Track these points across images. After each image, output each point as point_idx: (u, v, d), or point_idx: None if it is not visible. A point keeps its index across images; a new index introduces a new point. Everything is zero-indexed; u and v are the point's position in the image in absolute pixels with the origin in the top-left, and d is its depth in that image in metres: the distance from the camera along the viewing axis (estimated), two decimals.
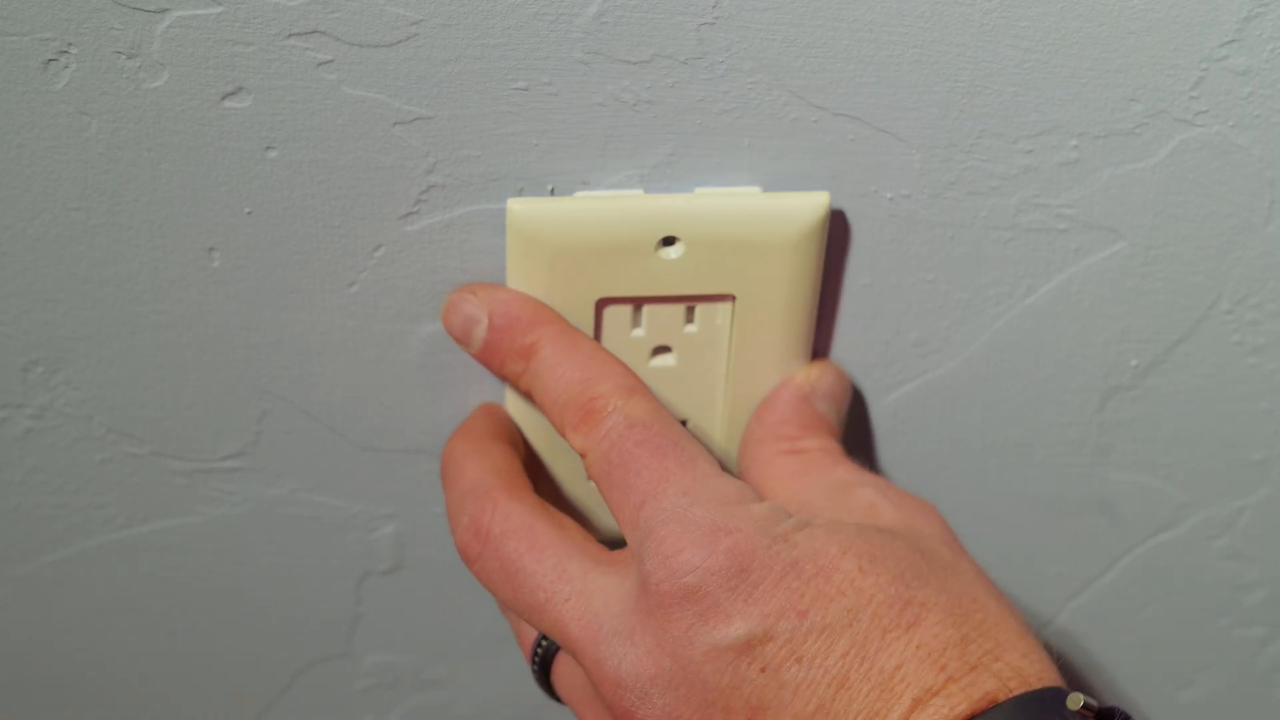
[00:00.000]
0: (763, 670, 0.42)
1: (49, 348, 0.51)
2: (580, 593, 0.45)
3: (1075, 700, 0.41)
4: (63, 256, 0.49)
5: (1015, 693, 0.41)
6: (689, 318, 0.50)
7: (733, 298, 0.50)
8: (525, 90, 0.46)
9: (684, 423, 0.53)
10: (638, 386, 0.47)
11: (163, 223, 0.48)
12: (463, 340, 0.50)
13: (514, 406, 0.52)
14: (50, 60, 0.44)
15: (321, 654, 0.61)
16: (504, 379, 0.50)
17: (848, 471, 0.49)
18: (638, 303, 0.50)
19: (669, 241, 0.48)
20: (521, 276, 0.49)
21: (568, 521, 0.48)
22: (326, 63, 0.45)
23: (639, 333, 0.50)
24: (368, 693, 0.63)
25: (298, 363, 0.52)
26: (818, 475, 0.49)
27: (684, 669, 0.43)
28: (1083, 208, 0.50)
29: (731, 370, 0.51)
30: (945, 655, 0.42)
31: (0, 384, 0.52)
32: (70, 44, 0.44)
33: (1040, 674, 0.42)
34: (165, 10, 0.44)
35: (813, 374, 0.52)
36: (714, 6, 0.45)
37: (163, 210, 0.48)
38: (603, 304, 0.49)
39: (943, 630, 0.42)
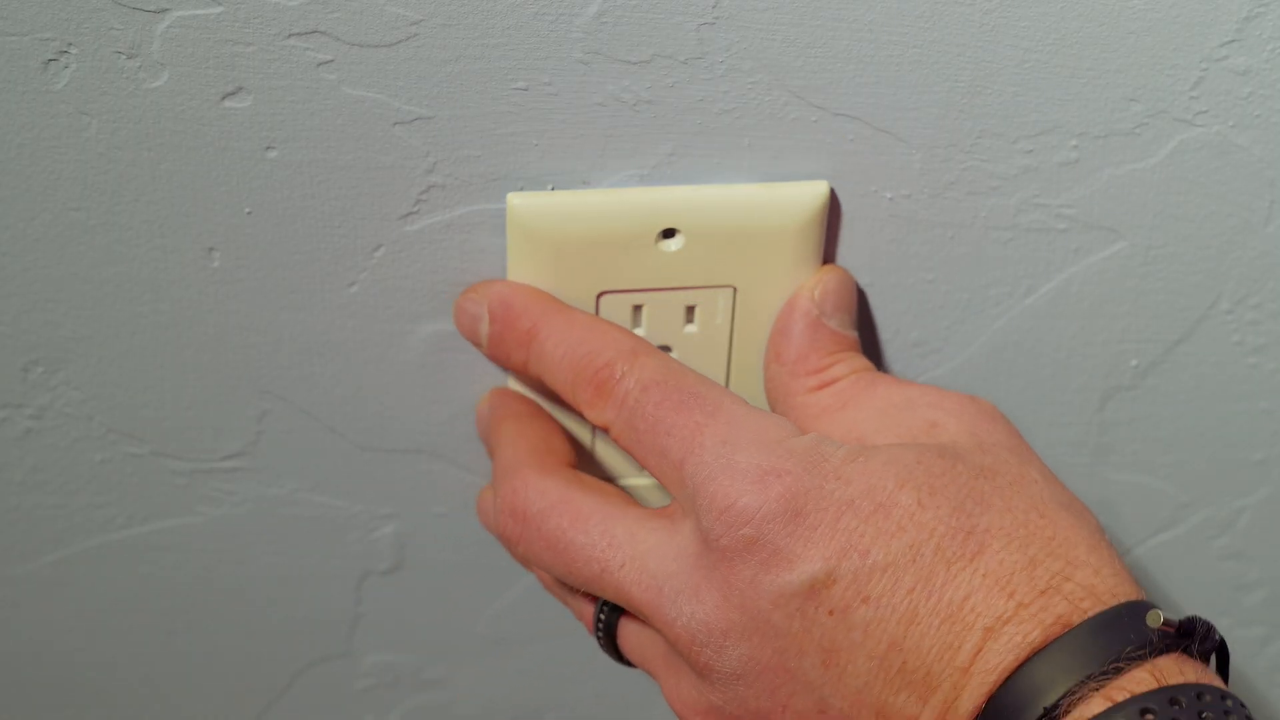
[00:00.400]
0: (831, 613, 0.42)
1: (49, 348, 0.51)
2: (633, 556, 0.45)
3: (1155, 618, 0.40)
4: (63, 256, 0.49)
5: (1089, 613, 0.40)
6: (689, 318, 0.50)
7: (734, 288, 0.50)
8: (525, 90, 0.46)
9: None
10: (640, 348, 0.47)
11: (163, 223, 0.48)
12: (473, 340, 0.50)
13: (515, 380, 0.52)
14: (50, 60, 0.44)
15: (321, 654, 0.61)
16: (514, 371, 0.50)
17: (890, 389, 0.48)
18: (638, 300, 0.50)
19: (669, 234, 0.48)
20: (523, 271, 0.49)
21: (604, 486, 0.47)
22: (326, 63, 0.45)
23: (639, 332, 0.50)
24: (368, 693, 0.63)
25: (298, 363, 0.52)
26: (861, 402, 0.47)
27: (753, 618, 0.43)
28: (1083, 208, 0.50)
29: (732, 369, 0.51)
30: (1013, 581, 0.41)
31: (0, 384, 0.52)
32: (70, 44, 0.44)
33: (1114, 589, 0.41)
34: (165, 10, 0.44)
35: (815, 291, 0.50)
36: (714, 6, 0.45)
37: (163, 210, 0.48)
38: (603, 298, 0.49)
39: (1009, 555, 0.41)
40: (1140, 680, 0.39)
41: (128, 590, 0.58)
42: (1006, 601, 0.41)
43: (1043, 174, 0.49)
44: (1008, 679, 0.40)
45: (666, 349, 0.51)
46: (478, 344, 0.50)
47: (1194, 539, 0.60)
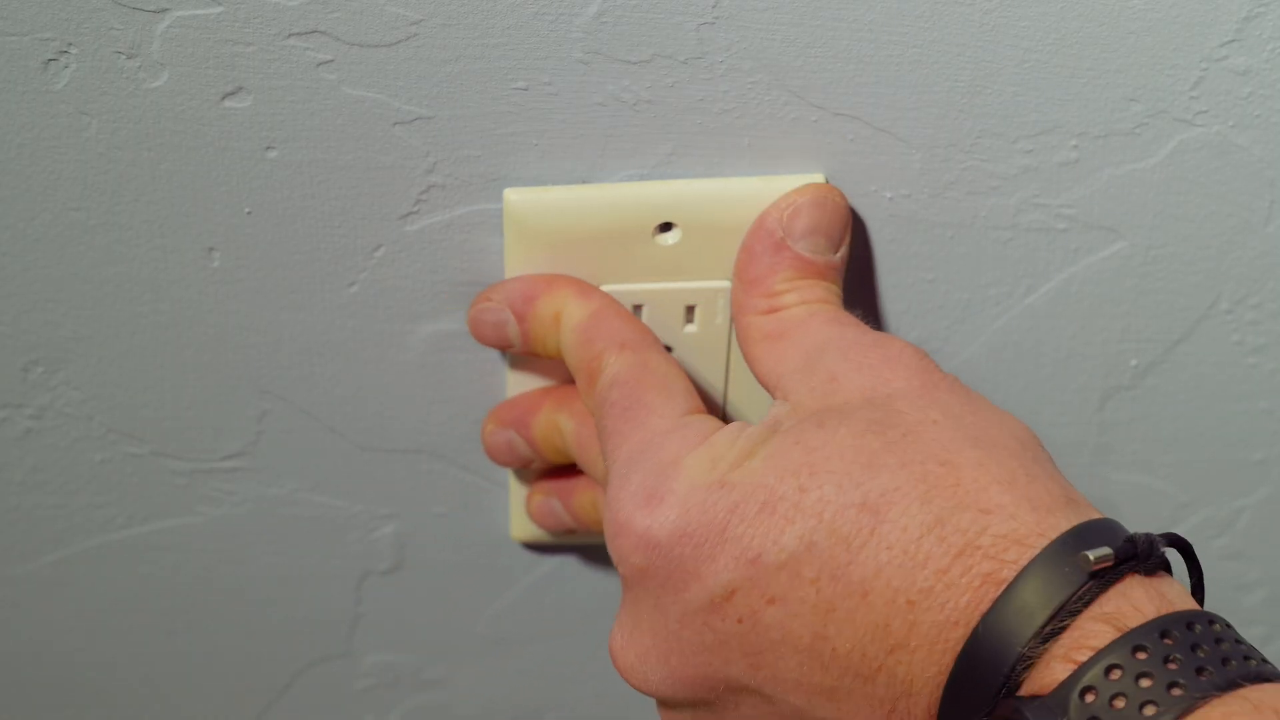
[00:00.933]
0: (740, 620, 0.41)
1: (49, 348, 0.51)
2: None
3: (1086, 561, 0.37)
4: (63, 256, 0.49)
5: (1020, 563, 0.38)
6: (689, 318, 0.50)
7: (731, 283, 0.50)
8: (525, 90, 0.46)
9: None
10: (632, 340, 0.46)
11: (163, 223, 0.48)
12: (502, 345, 0.49)
13: (515, 380, 0.52)
14: (50, 60, 0.44)
15: (321, 654, 0.61)
16: (551, 357, 0.49)
17: (820, 329, 0.45)
18: (639, 299, 0.50)
19: (666, 227, 0.48)
20: (520, 267, 0.49)
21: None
22: (326, 63, 0.45)
23: None
24: (368, 693, 0.63)
25: (298, 363, 0.52)
26: (793, 337, 0.45)
27: (666, 640, 0.42)
28: (1083, 208, 0.50)
29: (732, 368, 0.51)
30: (922, 547, 0.39)
31: (0, 384, 0.52)
32: (70, 44, 0.44)
33: (1038, 528, 0.38)
34: (165, 10, 0.44)
35: (785, 211, 0.47)
36: (714, 6, 0.45)
37: (163, 210, 0.48)
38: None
39: (911, 518, 0.39)
40: (1097, 632, 0.37)
41: (128, 590, 0.58)
42: (921, 571, 0.38)
43: (1043, 174, 0.49)
44: (962, 651, 0.38)
45: (667, 349, 0.51)
46: (508, 346, 0.49)
47: (1194, 539, 0.60)
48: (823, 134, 0.48)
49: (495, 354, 0.52)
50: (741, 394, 0.52)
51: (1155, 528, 0.60)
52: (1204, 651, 0.36)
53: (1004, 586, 0.37)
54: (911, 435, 0.41)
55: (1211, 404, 0.56)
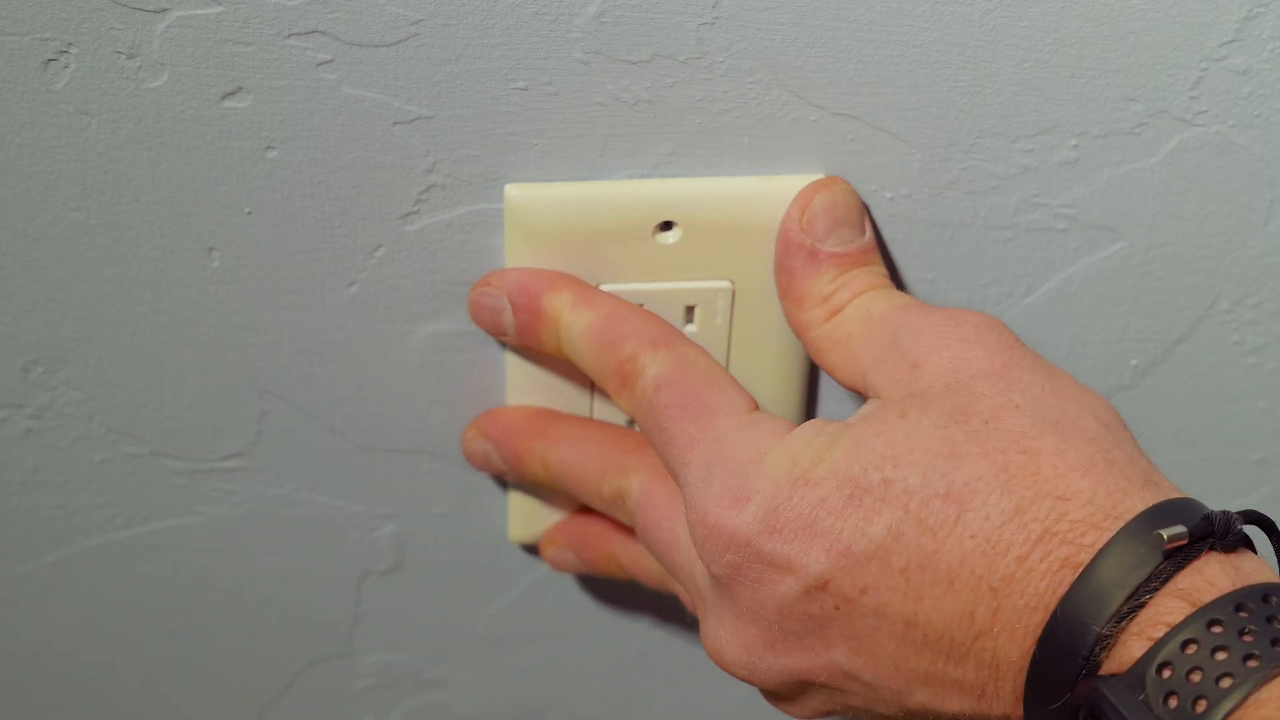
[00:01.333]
0: (836, 607, 0.42)
1: (49, 348, 0.51)
2: (685, 566, 0.46)
3: (1159, 539, 0.38)
4: (63, 256, 0.49)
5: (1096, 546, 0.38)
6: (689, 317, 0.50)
7: (732, 284, 0.50)
8: (525, 90, 0.46)
9: None
10: (662, 336, 0.47)
11: (163, 223, 0.48)
12: (496, 332, 0.50)
13: (514, 380, 0.52)
14: (50, 60, 0.44)
15: (321, 654, 0.61)
16: (546, 354, 0.50)
17: (884, 319, 0.45)
18: (639, 298, 0.50)
19: (667, 226, 0.48)
20: (520, 262, 0.49)
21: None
22: (326, 63, 0.45)
23: None
24: (368, 693, 0.63)
25: (298, 363, 0.52)
26: (861, 340, 0.45)
27: (769, 632, 0.43)
28: (1083, 207, 0.50)
29: (732, 368, 0.51)
30: (1004, 535, 0.39)
31: (0, 384, 0.52)
32: (70, 44, 0.44)
33: (1115, 509, 0.39)
34: (165, 10, 0.44)
35: (802, 218, 0.47)
36: (714, 6, 0.45)
37: (163, 210, 0.48)
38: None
39: (993, 507, 0.40)
40: (1172, 609, 0.37)
41: (128, 590, 0.58)
42: (1003, 558, 0.39)
43: (1042, 174, 0.49)
44: (1042, 635, 0.39)
45: None
46: (502, 334, 0.49)
47: None
48: (823, 134, 0.48)
49: (495, 354, 0.52)
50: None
51: None
52: (1249, 638, 0.36)
53: (1080, 570, 0.38)
54: (993, 422, 0.42)
55: (1211, 404, 0.56)
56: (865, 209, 0.48)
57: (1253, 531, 0.40)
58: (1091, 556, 0.38)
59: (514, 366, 0.52)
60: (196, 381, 0.52)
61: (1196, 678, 0.36)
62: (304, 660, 0.62)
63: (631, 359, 0.46)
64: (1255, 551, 0.40)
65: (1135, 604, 0.38)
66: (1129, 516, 0.39)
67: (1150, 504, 0.39)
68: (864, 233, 0.47)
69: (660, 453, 0.46)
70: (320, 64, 0.45)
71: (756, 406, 0.46)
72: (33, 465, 0.54)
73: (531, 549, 0.58)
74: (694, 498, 0.44)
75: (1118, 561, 0.38)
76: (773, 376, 0.52)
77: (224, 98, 0.45)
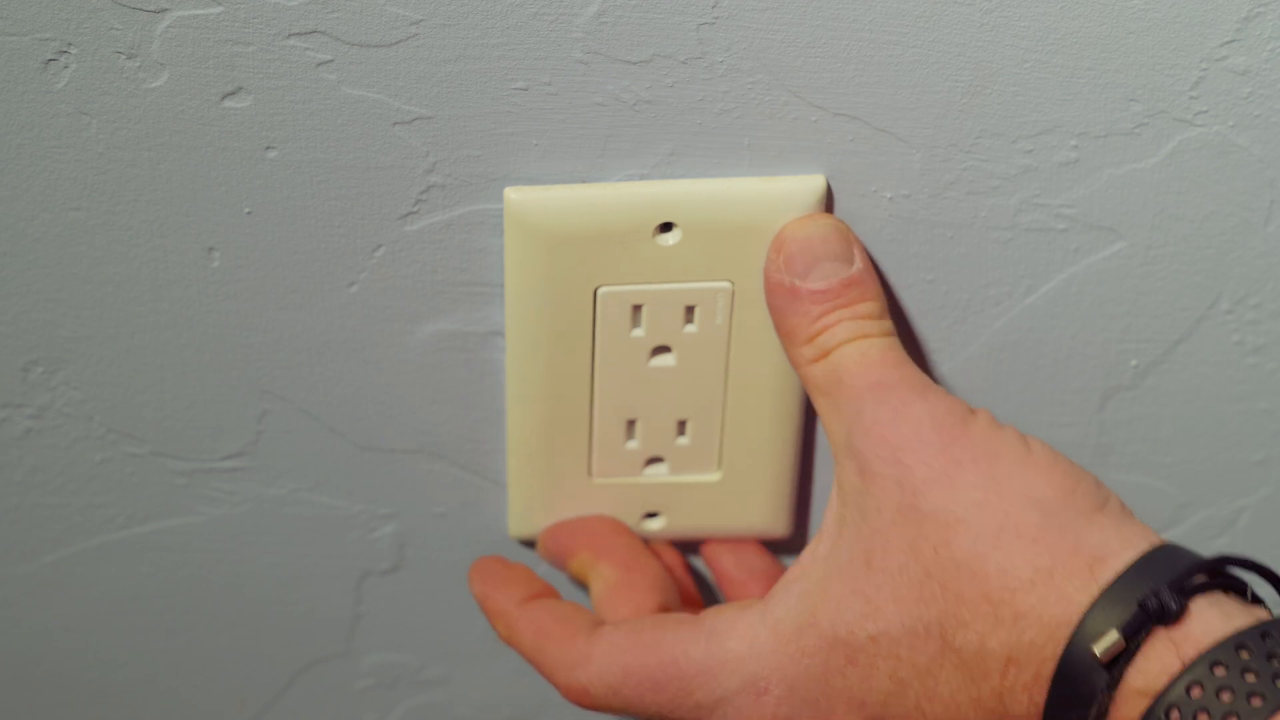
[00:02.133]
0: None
1: (49, 348, 0.51)
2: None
3: (1095, 653, 0.40)
4: (63, 256, 0.49)
5: (1048, 671, 0.41)
6: (689, 318, 0.50)
7: (732, 284, 0.49)
8: (525, 90, 0.46)
9: (683, 423, 0.53)
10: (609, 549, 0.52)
11: (163, 223, 0.48)
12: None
13: (515, 380, 0.52)
14: (50, 60, 0.44)
15: (321, 654, 0.61)
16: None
17: (854, 394, 0.45)
18: (638, 299, 0.50)
19: (666, 228, 0.48)
20: (519, 266, 0.49)
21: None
22: (326, 63, 0.45)
23: (639, 332, 0.50)
24: (368, 693, 0.63)
25: (298, 363, 0.52)
26: (834, 404, 0.46)
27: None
28: (1083, 208, 0.50)
29: (732, 366, 0.51)
30: (979, 664, 0.42)
31: (0, 384, 0.52)
32: (70, 44, 0.44)
33: (1065, 619, 0.41)
34: (165, 10, 0.44)
35: (780, 259, 0.47)
36: (714, 6, 0.45)
37: (163, 210, 0.48)
38: (601, 292, 0.49)
39: (964, 639, 0.42)
40: (1134, 703, 0.40)
41: (128, 590, 0.58)
42: (987, 682, 0.42)
43: (1043, 174, 0.49)
44: None
45: (666, 349, 0.51)
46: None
47: (1194, 539, 0.60)
48: (823, 134, 0.48)
49: (495, 354, 0.52)
50: (742, 394, 0.52)
51: (1155, 527, 0.60)
52: (1253, 675, 0.38)
53: (1048, 681, 0.41)
54: (943, 548, 0.43)
55: (1211, 404, 0.56)
56: (852, 237, 0.48)
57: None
58: (1053, 670, 0.41)
59: (514, 367, 0.52)
60: (196, 381, 0.52)
61: None
62: (304, 660, 0.62)
63: (578, 693, 0.49)
64: (1226, 586, 0.42)
65: (1100, 712, 0.40)
66: (1075, 620, 0.41)
67: (1093, 598, 0.41)
68: (851, 263, 0.47)
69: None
70: (320, 64, 0.45)
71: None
72: (33, 465, 0.54)
73: (532, 547, 0.58)
74: (723, 718, 0.46)
75: (1074, 672, 0.41)
76: (773, 377, 0.52)
77: (224, 98, 0.45)
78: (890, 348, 0.46)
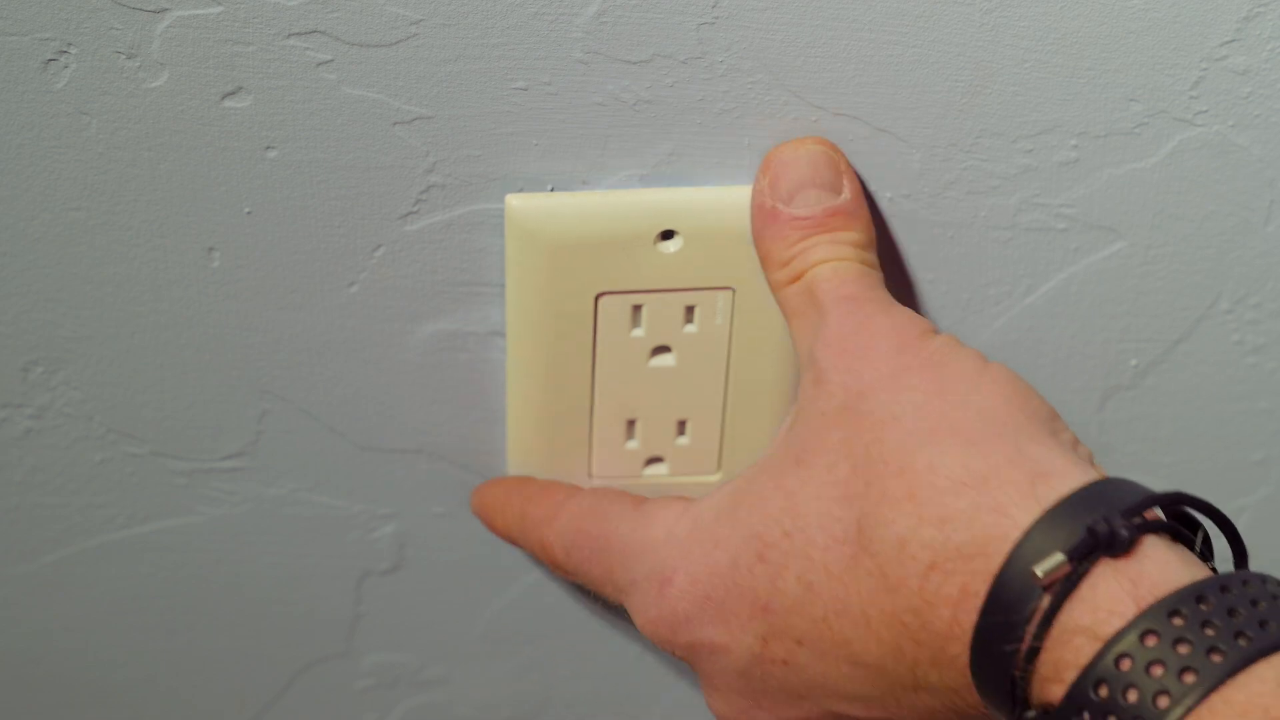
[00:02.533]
0: (785, 663, 0.43)
1: (49, 348, 0.51)
2: None
3: (1038, 574, 0.36)
4: (63, 256, 0.49)
5: (990, 574, 0.37)
6: (689, 318, 0.50)
7: (733, 290, 0.50)
8: (525, 90, 0.46)
9: (683, 423, 0.53)
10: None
11: (163, 223, 0.48)
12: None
13: (515, 379, 0.52)
14: (50, 60, 0.44)
15: (321, 654, 0.61)
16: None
17: (820, 311, 0.44)
18: (638, 300, 0.50)
19: (668, 235, 0.48)
20: (521, 272, 0.49)
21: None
22: (326, 63, 0.45)
23: (638, 332, 0.50)
24: (368, 693, 0.63)
25: (298, 363, 0.52)
26: (802, 322, 0.45)
27: (749, 694, 0.45)
28: (1083, 207, 0.50)
29: (731, 368, 0.51)
30: (895, 570, 0.39)
31: (0, 384, 0.52)
32: (70, 44, 0.44)
33: (995, 531, 0.37)
34: (165, 10, 0.44)
35: (766, 178, 0.46)
36: (714, 6, 0.45)
37: (163, 210, 0.48)
38: (602, 299, 0.49)
39: (882, 543, 0.39)
40: (1078, 647, 0.36)
41: (128, 590, 0.58)
42: (902, 593, 0.39)
43: (1043, 174, 0.49)
44: (970, 667, 0.38)
45: (666, 349, 0.51)
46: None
47: None
48: (823, 134, 0.48)
49: (495, 354, 0.52)
50: (741, 394, 0.52)
51: None
52: (1212, 630, 0.35)
53: (982, 600, 0.37)
54: (874, 445, 0.40)
55: (1211, 404, 0.56)
56: (845, 167, 0.46)
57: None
58: (987, 586, 0.37)
59: (514, 367, 0.52)
60: (196, 381, 0.52)
61: (1131, 697, 0.35)
62: (304, 660, 0.62)
63: (543, 549, 0.49)
64: (1173, 530, 0.38)
65: (1035, 645, 0.36)
66: (1015, 536, 0.37)
67: (1035, 517, 0.37)
68: (838, 193, 0.46)
69: (602, 593, 0.48)
70: (320, 64, 0.45)
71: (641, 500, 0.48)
72: (33, 465, 0.54)
73: None
74: (633, 610, 0.46)
75: (1009, 595, 0.37)
76: (773, 377, 0.52)
77: (224, 98, 0.45)
78: (866, 273, 0.45)
